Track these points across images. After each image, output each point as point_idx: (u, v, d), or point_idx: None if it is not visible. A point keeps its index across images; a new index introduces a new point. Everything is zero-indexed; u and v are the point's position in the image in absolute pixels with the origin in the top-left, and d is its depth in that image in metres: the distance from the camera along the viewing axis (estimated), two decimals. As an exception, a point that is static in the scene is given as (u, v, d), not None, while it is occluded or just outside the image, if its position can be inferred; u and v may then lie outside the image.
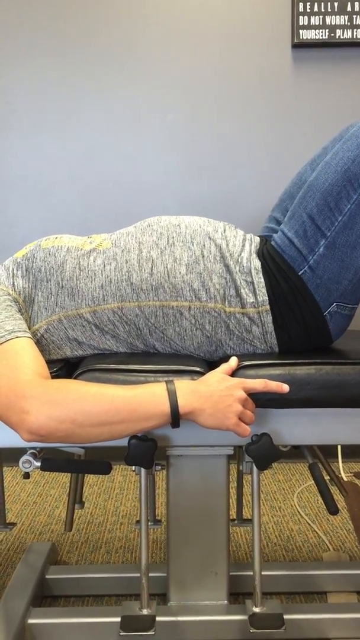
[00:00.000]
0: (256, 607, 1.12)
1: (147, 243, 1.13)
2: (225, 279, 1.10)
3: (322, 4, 2.02)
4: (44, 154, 2.06)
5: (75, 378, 1.03)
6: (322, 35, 2.03)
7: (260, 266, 1.10)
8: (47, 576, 1.33)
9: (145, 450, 1.01)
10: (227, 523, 1.18)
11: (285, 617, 1.13)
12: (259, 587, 1.12)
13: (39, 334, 1.10)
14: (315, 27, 2.02)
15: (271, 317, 1.09)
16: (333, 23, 2.03)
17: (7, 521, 1.42)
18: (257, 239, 1.18)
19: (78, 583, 1.34)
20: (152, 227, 1.15)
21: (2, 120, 2.05)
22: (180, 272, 1.10)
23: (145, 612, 1.10)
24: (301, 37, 2.03)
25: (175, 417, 0.94)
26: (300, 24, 2.02)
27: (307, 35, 2.03)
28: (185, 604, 1.19)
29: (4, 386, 0.94)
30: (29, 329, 1.08)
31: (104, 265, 1.11)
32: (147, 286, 1.09)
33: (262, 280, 1.09)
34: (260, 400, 1.02)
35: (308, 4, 2.02)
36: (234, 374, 1.03)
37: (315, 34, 2.03)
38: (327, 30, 2.03)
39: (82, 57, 2.04)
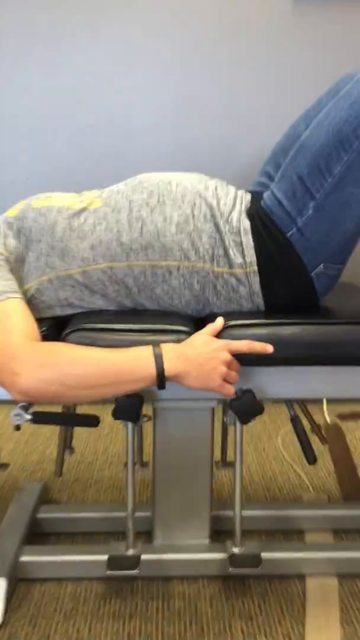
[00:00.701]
0: (235, 547, 1.19)
1: (137, 201, 1.12)
2: (214, 238, 1.11)
3: None
4: (32, 90, 2.00)
5: (64, 337, 1.05)
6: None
7: (249, 226, 1.11)
8: (38, 515, 1.40)
9: (132, 405, 1.05)
10: (210, 469, 1.24)
11: (263, 555, 1.21)
12: (238, 529, 1.19)
13: (29, 294, 1.11)
14: None
15: (258, 278, 1.11)
16: None
17: (0, 462, 1.48)
18: (249, 197, 1.18)
19: (68, 522, 1.40)
20: (143, 184, 1.15)
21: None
22: (170, 232, 1.10)
23: (130, 552, 1.18)
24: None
25: (161, 380, 0.97)
26: None
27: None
28: (169, 542, 1.27)
29: None
30: (20, 288, 1.09)
31: (95, 226, 1.11)
32: (136, 246, 1.10)
33: (251, 241, 1.10)
34: (246, 359, 1.05)
35: None
36: (219, 334, 1.06)
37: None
38: None
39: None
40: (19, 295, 1.05)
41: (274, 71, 2.02)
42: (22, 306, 1.04)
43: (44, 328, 1.07)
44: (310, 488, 1.62)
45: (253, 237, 1.10)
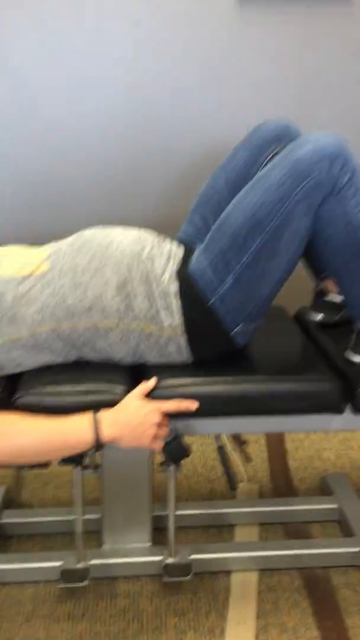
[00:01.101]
0: (170, 557, 1.40)
1: (80, 265, 1.24)
2: (148, 300, 1.24)
3: None
4: None
5: (15, 400, 1.20)
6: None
7: (177, 290, 1.24)
8: (1, 521, 1.59)
9: (78, 456, 1.22)
10: (149, 485, 1.44)
11: (194, 556, 1.43)
12: (172, 541, 1.40)
13: (-16, 359, 1.24)
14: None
15: (185, 337, 1.25)
16: None
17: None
18: (180, 253, 1.31)
19: (28, 525, 1.60)
20: (87, 245, 1.26)
21: None
22: (110, 295, 1.23)
23: (80, 565, 1.38)
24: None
25: (99, 446, 1.13)
26: None
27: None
28: (116, 547, 1.48)
29: None
30: None
31: (41, 291, 1.23)
32: (80, 309, 1.23)
33: (179, 304, 1.24)
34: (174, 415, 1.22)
35: None
36: (152, 392, 1.21)
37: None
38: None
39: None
40: None
41: (219, 64, 2.06)
42: None
43: (-4, 391, 1.21)
44: (245, 477, 1.84)
45: (180, 301, 1.24)
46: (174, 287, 1.24)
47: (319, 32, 2.04)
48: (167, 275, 1.25)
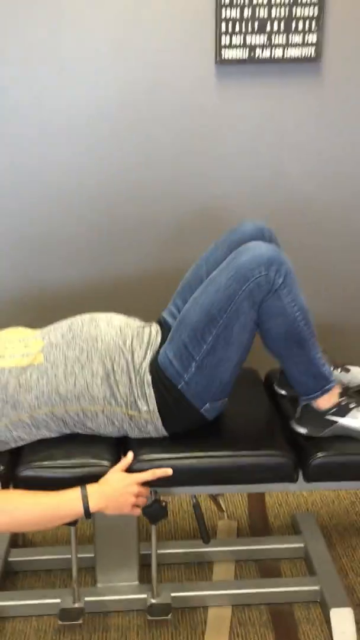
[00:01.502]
0: (153, 598, 1.63)
1: (71, 358, 1.46)
2: (128, 388, 1.46)
3: (243, 24, 2.12)
4: None
5: (18, 473, 1.42)
6: (242, 55, 2.15)
7: (151, 380, 1.46)
8: (9, 559, 1.82)
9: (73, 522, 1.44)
10: (137, 536, 1.66)
11: (176, 594, 1.66)
12: (154, 581, 1.62)
13: (-9, 438, 1.47)
14: (236, 47, 2.14)
15: (160, 420, 1.47)
16: (253, 42, 2.14)
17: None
18: (159, 340, 1.52)
19: (32, 562, 1.83)
20: (75, 340, 1.48)
21: None
22: (96, 384, 1.45)
23: (76, 605, 1.61)
24: (223, 57, 2.15)
25: (88, 515, 1.36)
26: (223, 43, 2.13)
27: (229, 54, 2.15)
28: (108, 585, 1.70)
29: None
30: None
31: (38, 380, 1.45)
32: (71, 396, 1.45)
33: (153, 393, 1.46)
34: (153, 484, 1.43)
35: (230, 23, 2.12)
36: (132, 465, 1.43)
37: (237, 53, 2.15)
38: (247, 49, 2.15)
39: None
40: None
41: (198, 138, 2.25)
42: None
43: (1, 467, 1.43)
44: (225, 515, 2.06)
45: (154, 389, 1.46)
46: (148, 377, 1.46)
47: (292, 98, 2.23)
48: (144, 366, 1.47)
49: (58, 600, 1.64)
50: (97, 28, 2.11)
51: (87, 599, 1.65)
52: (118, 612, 1.69)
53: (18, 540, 1.93)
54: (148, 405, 1.45)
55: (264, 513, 2.08)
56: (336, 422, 1.47)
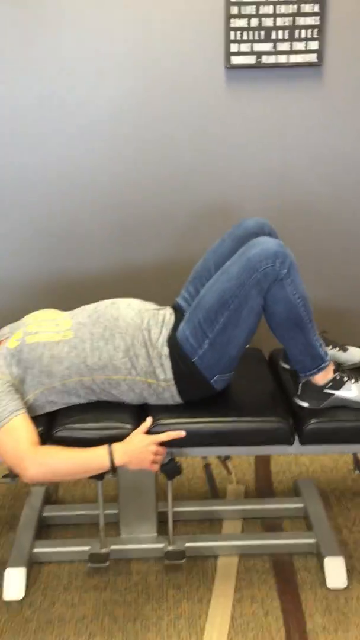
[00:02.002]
0: (169, 545, 1.87)
1: (96, 334, 1.69)
2: (147, 360, 1.69)
3: (250, 32, 2.31)
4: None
5: (54, 433, 1.66)
6: (250, 60, 2.35)
7: (168, 353, 1.68)
8: (44, 514, 2.07)
9: (100, 475, 1.68)
10: (154, 491, 1.89)
11: (190, 544, 1.90)
12: (171, 533, 1.86)
13: (29, 403, 1.70)
14: (244, 54, 2.34)
15: (176, 388, 1.70)
16: (259, 49, 2.34)
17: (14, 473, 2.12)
18: (172, 321, 1.75)
19: (64, 517, 2.08)
20: (100, 319, 1.71)
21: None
22: (118, 357, 1.68)
23: (103, 550, 1.86)
24: (232, 63, 2.35)
25: (113, 469, 1.60)
26: (231, 50, 2.33)
27: (238, 60, 2.35)
28: (130, 536, 1.95)
29: (12, 453, 1.59)
30: (22, 400, 1.68)
31: (68, 353, 1.68)
32: (97, 367, 1.68)
33: (170, 363, 1.68)
34: (170, 444, 1.66)
35: (238, 32, 2.31)
36: (150, 429, 1.66)
37: (245, 60, 2.35)
38: (254, 56, 2.34)
39: None
40: (23, 410, 1.64)
41: (208, 139, 2.45)
42: (26, 420, 1.63)
43: (40, 427, 1.67)
44: (235, 480, 2.29)
45: (171, 361, 1.68)
46: (165, 350, 1.69)
47: (295, 100, 2.43)
48: (160, 341, 1.70)
49: (87, 548, 1.89)
50: (117, 37, 2.33)
51: (112, 547, 1.90)
52: (139, 559, 1.94)
53: (51, 497, 2.19)
54: (165, 374, 1.68)
55: (269, 479, 2.30)
56: (333, 394, 1.69)
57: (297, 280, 1.62)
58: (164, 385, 1.70)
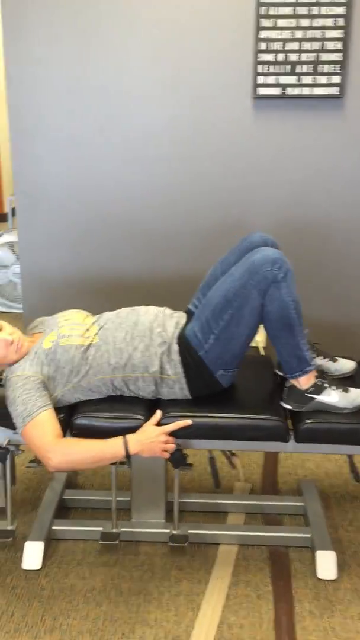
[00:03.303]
0: (174, 530, 2.05)
1: (119, 338, 1.90)
2: (160, 359, 1.88)
3: (277, 66, 2.51)
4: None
5: (74, 420, 1.87)
6: (275, 92, 2.55)
7: (178, 350, 1.88)
8: (64, 497, 2.27)
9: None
10: (164, 480, 2.08)
11: (193, 531, 2.07)
12: (176, 518, 2.04)
13: (57, 398, 1.91)
14: (270, 85, 2.54)
15: (185, 381, 1.89)
16: (284, 82, 2.53)
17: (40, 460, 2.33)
18: (184, 320, 1.94)
19: (82, 501, 2.28)
20: (122, 325, 1.92)
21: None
22: (137, 357, 1.88)
23: (114, 530, 2.05)
24: (259, 93, 2.55)
25: (128, 458, 1.79)
26: (259, 82, 2.54)
27: (264, 91, 2.55)
28: (140, 520, 2.13)
29: (38, 444, 1.80)
30: (51, 396, 1.89)
31: (95, 354, 1.89)
32: (118, 366, 1.89)
33: (180, 359, 1.87)
34: (178, 435, 1.85)
35: (265, 66, 2.52)
36: (160, 421, 1.85)
37: (270, 91, 2.55)
38: (279, 88, 2.54)
39: None
40: (50, 406, 1.85)
41: (236, 162, 2.66)
42: (52, 414, 1.83)
43: (61, 415, 1.88)
44: (243, 478, 2.46)
45: (181, 356, 1.88)
46: (175, 348, 1.88)
47: (318, 130, 2.62)
48: (173, 339, 1.89)
49: (100, 528, 2.08)
50: (155, 71, 2.57)
51: (123, 529, 2.09)
52: (147, 542, 2.12)
53: (72, 483, 2.39)
54: (175, 369, 1.88)
55: (274, 479, 2.46)
56: (314, 398, 1.85)
57: (291, 285, 1.80)
58: (174, 379, 1.89)
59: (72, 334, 1.93)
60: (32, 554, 2.02)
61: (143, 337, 1.89)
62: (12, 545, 2.11)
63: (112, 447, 1.80)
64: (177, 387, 1.90)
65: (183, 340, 1.88)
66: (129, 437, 1.81)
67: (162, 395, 1.93)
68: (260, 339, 2.89)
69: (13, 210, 5.52)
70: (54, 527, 2.12)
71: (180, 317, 1.98)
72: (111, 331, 1.92)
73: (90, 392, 1.92)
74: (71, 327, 1.96)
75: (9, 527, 2.05)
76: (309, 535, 2.08)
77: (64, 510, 2.27)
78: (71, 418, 1.89)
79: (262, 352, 2.82)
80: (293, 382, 1.89)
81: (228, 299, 1.82)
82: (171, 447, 1.84)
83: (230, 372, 1.91)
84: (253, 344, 2.92)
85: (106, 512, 2.25)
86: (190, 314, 2.00)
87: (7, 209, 6.44)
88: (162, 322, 1.93)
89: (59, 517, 2.20)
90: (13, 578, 1.98)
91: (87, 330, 1.95)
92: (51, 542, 2.11)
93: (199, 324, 1.87)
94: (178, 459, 1.88)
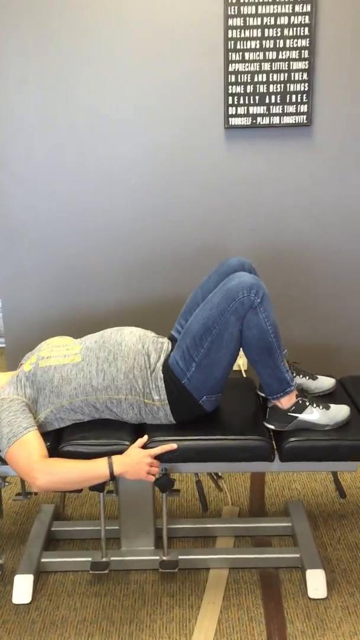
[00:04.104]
0: (164, 556, 2.05)
1: (101, 358, 1.92)
2: (145, 383, 1.90)
3: (246, 97, 2.60)
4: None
5: (61, 448, 1.88)
6: (246, 122, 2.63)
7: (162, 377, 1.90)
8: (52, 529, 2.26)
9: (99, 484, 1.88)
10: (152, 508, 2.08)
11: (183, 557, 2.07)
12: (165, 545, 2.04)
13: (40, 420, 1.92)
14: (241, 116, 2.62)
15: (169, 407, 1.91)
16: (254, 112, 2.62)
17: (27, 491, 2.32)
18: (169, 348, 1.97)
19: (71, 532, 2.27)
20: (105, 344, 1.94)
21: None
22: (120, 378, 1.90)
23: (104, 559, 2.04)
24: (230, 123, 2.63)
25: (112, 478, 1.80)
26: (230, 113, 2.62)
27: (235, 122, 2.63)
28: (130, 548, 2.13)
29: (24, 464, 1.80)
30: (35, 418, 1.90)
31: (76, 374, 1.91)
32: (101, 387, 1.90)
33: (164, 386, 1.90)
34: (163, 459, 1.86)
35: (236, 97, 2.60)
36: (146, 445, 1.87)
37: (241, 121, 2.63)
38: (250, 118, 2.62)
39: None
40: (35, 427, 1.86)
41: (207, 193, 2.72)
42: (37, 435, 1.84)
43: (48, 443, 1.89)
44: (230, 502, 2.46)
45: (165, 384, 1.90)
46: (160, 375, 1.90)
47: (288, 157, 2.70)
48: (157, 366, 1.92)
49: (90, 558, 2.07)
50: (131, 102, 2.64)
51: (113, 558, 2.08)
52: (137, 570, 2.11)
53: (59, 514, 2.38)
54: (160, 395, 1.89)
55: (262, 501, 2.47)
56: (296, 417, 1.88)
57: (268, 310, 1.84)
58: (158, 405, 1.91)
59: (51, 355, 1.95)
60: (22, 588, 2.00)
61: (126, 359, 1.91)
62: (1, 579, 2.09)
63: (97, 467, 1.80)
64: (161, 413, 1.92)
65: (167, 368, 1.91)
66: (114, 457, 1.82)
67: (146, 420, 1.95)
68: (242, 362, 2.92)
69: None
70: (43, 560, 2.11)
71: (164, 342, 2.00)
72: (94, 351, 1.94)
73: (74, 413, 1.93)
74: (51, 349, 1.99)
75: (-2, 561, 2.04)
76: (298, 555, 2.09)
77: (52, 543, 2.26)
78: (57, 446, 1.90)
79: (244, 375, 2.86)
80: (275, 402, 1.92)
81: (207, 327, 1.85)
82: (155, 470, 1.85)
83: (214, 397, 1.94)
84: (235, 368, 2.97)
85: (95, 542, 2.24)
86: (173, 340, 2.03)
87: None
88: (147, 346, 1.95)
89: (47, 549, 2.19)
90: (3, 612, 1.96)
91: (67, 349, 1.97)
92: (40, 574, 2.10)
93: (180, 353, 1.90)
94: (165, 483, 1.89)
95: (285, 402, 1.89)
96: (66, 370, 1.92)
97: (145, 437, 1.88)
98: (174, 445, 1.86)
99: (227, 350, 1.86)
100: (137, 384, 1.90)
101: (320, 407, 1.90)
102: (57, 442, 1.92)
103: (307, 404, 1.89)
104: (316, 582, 1.98)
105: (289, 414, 1.89)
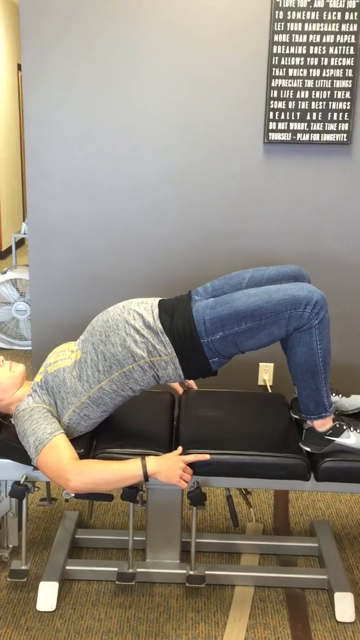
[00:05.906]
0: (191, 570, 2.03)
1: (96, 342, 1.89)
2: (144, 343, 1.85)
3: (287, 113, 2.60)
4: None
5: (94, 456, 1.86)
6: (286, 137, 2.63)
7: (163, 329, 1.86)
8: (76, 536, 2.25)
9: (132, 493, 1.86)
10: (180, 519, 2.06)
11: (210, 572, 2.05)
12: (193, 559, 2.02)
13: (66, 423, 1.90)
14: (281, 131, 2.62)
15: (177, 360, 1.86)
16: (295, 128, 2.62)
17: (51, 497, 2.30)
18: (155, 303, 1.92)
19: (95, 541, 2.25)
20: (95, 329, 1.92)
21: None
22: (119, 351, 1.86)
23: (130, 570, 2.02)
24: (270, 138, 2.63)
25: (146, 478, 1.79)
26: (270, 128, 2.62)
27: (275, 137, 2.63)
28: (155, 561, 2.11)
29: (55, 467, 1.79)
30: (60, 422, 1.89)
31: (82, 368, 1.89)
32: (106, 368, 1.87)
33: (168, 339, 1.85)
34: (197, 471, 1.85)
35: (277, 113, 2.60)
36: (183, 453, 1.85)
37: (281, 136, 2.63)
38: (290, 133, 2.63)
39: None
40: (60, 431, 1.85)
41: (248, 206, 2.73)
42: (64, 439, 1.83)
43: (81, 450, 1.88)
44: (254, 518, 2.44)
45: (169, 336, 1.85)
46: (159, 326, 1.85)
47: (326, 175, 2.69)
48: (157, 322, 1.86)
49: (116, 569, 2.05)
50: (171, 116, 2.64)
51: (138, 569, 2.06)
52: (162, 583, 2.09)
53: (84, 522, 2.36)
54: (166, 349, 1.86)
55: (286, 519, 2.45)
56: (333, 440, 1.86)
57: (324, 333, 1.81)
58: (166, 359, 1.86)
59: (57, 360, 1.96)
60: (47, 595, 1.98)
61: (117, 331, 1.87)
62: (25, 585, 2.07)
63: (130, 467, 1.79)
64: (170, 368, 1.88)
65: (188, 320, 1.86)
66: (148, 458, 1.81)
67: (160, 380, 1.91)
68: (267, 377, 2.91)
69: (17, 244, 5.59)
70: (68, 567, 2.09)
71: (148, 301, 1.95)
72: (88, 340, 1.92)
73: (96, 406, 1.91)
74: (56, 355, 2.00)
75: (23, 567, 2.02)
76: (325, 577, 2.06)
77: (76, 550, 2.24)
78: (92, 454, 1.89)
79: (269, 390, 2.84)
80: (309, 423, 1.91)
81: (254, 314, 1.81)
82: (188, 477, 1.83)
83: (224, 360, 1.91)
84: (260, 383, 2.96)
85: (118, 552, 2.23)
86: (195, 294, 1.98)
87: (7, 245, 6.51)
88: (133, 310, 1.90)
89: (71, 556, 2.17)
90: (27, 619, 1.95)
91: (71, 351, 1.97)
92: (65, 583, 2.08)
93: (212, 315, 1.84)
94: (197, 496, 1.88)
95: (319, 425, 1.87)
96: (75, 369, 1.91)
97: (180, 449, 1.87)
98: (207, 456, 1.85)
99: (258, 341, 1.84)
100: (135, 350, 1.85)
101: (358, 431, 1.88)
102: (89, 449, 1.91)
103: (345, 427, 1.87)
104: (344, 605, 1.96)
105: (326, 437, 1.87)
